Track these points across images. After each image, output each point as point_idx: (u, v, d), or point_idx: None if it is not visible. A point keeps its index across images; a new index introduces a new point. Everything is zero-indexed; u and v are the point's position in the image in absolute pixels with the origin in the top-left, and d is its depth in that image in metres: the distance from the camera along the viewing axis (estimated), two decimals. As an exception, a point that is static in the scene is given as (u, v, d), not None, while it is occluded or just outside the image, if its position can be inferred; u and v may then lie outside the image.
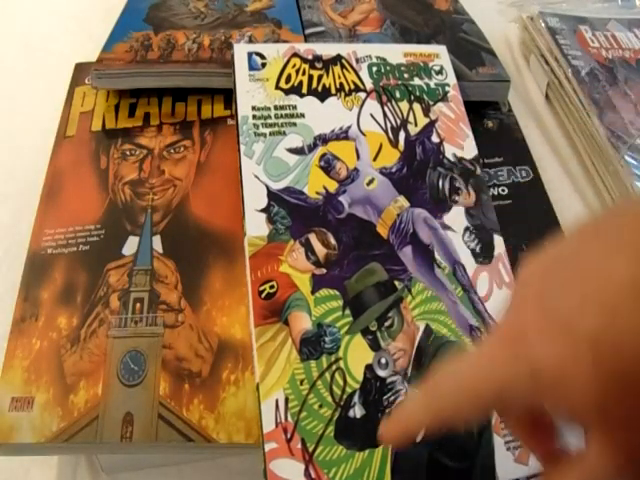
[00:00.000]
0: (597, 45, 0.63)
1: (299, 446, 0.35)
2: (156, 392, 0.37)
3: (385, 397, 0.36)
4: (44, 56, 0.67)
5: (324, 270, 0.40)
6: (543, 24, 0.65)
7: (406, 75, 0.49)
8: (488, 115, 0.55)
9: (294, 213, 0.41)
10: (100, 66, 0.51)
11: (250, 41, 0.54)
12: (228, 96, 0.52)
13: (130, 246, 0.43)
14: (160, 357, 0.38)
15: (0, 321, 0.41)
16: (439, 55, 0.51)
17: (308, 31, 0.57)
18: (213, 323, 0.40)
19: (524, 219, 0.47)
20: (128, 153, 0.49)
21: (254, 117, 0.45)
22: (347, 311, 0.38)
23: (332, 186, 0.43)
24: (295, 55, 0.48)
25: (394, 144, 0.46)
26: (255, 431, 0.36)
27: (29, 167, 0.51)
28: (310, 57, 0.49)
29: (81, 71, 0.56)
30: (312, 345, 0.37)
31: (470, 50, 0.56)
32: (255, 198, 0.41)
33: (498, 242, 0.43)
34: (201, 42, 0.53)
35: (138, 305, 0.40)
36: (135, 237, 0.44)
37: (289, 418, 0.35)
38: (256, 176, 0.42)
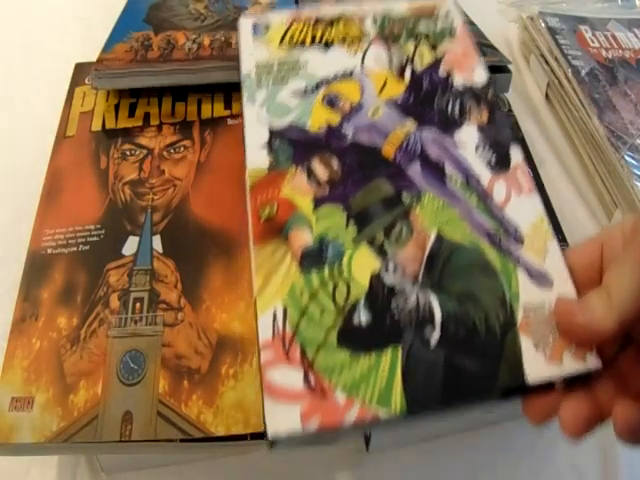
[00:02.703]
0: (597, 45, 0.63)
1: (298, 354, 0.32)
2: (155, 390, 0.37)
3: (394, 301, 0.34)
4: (44, 56, 0.67)
5: (326, 190, 0.38)
6: (543, 24, 0.65)
7: (411, 24, 0.48)
8: (488, 115, 0.54)
9: (296, 144, 0.40)
10: (100, 66, 0.51)
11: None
12: (228, 96, 0.52)
13: (130, 246, 0.43)
14: (159, 356, 0.38)
15: (0, 321, 0.41)
16: (444, 3, 0.50)
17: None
18: (212, 320, 0.40)
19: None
20: (128, 153, 0.49)
21: (257, 72, 0.44)
22: (351, 225, 0.36)
23: (335, 120, 0.41)
24: (297, 19, 0.48)
25: (399, 78, 0.44)
26: (254, 420, 0.36)
27: (29, 167, 0.51)
28: (312, 20, 0.48)
29: (81, 71, 0.56)
30: (313, 258, 0.35)
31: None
32: (256, 135, 0.40)
33: (515, 152, 0.40)
34: (201, 42, 0.53)
35: (138, 305, 0.40)
36: (135, 237, 0.44)
37: (287, 328, 0.33)
38: (258, 117, 0.41)
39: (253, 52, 0.45)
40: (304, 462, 0.43)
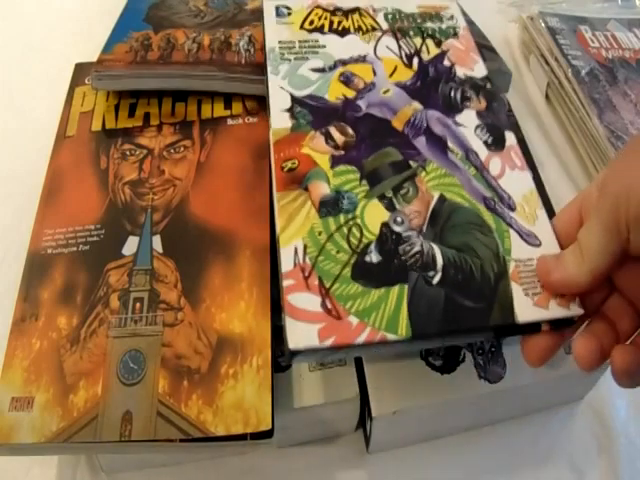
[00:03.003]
0: (597, 45, 0.63)
1: (316, 283, 0.36)
2: (155, 390, 0.37)
3: (401, 247, 0.38)
4: (44, 56, 0.67)
5: (342, 152, 0.42)
6: (543, 24, 0.65)
7: (419, 20, 0.53)
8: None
9: (315, 112, 0.45)
10: (100, 67, 0.51)
11: (250, 41, 0.54)
12: (228, 96, 0.52)
13: (130, 246, 0.43)
14: (159, 356, 0.38)
15: (0, 321, 0.41)
16: (450, 7, 0.55)
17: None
18: (212, 320, 0.40)
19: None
20: (128, 153, 0.49)
21: (280, 48, 0.48)
22: (364, 183, 0.41)
23: (350, 94, 0.46)
24: (318, 7, 0.53)
25: (408, 66, 0.49)
26: (253, 420, 0.36)
27: (29, 167, 0.51)
28: (331, 8, 0.53)
29: (81, 71, 0.56)
30: (331, 206, 0.39)
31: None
32: (280, 102, 0.45)
33: (509, 136, 0.45)
34: (201, 42, 0.53)
35: (138, 305, 0.40)
36: (135, 237, 0.44)
37: (307, 260, 0.37)
38: (281, 87, 0.46)
39: (276, 31, 0.50)
40: (304, 462, 0.43)
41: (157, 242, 0.43)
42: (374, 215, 0.39)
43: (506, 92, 0.56)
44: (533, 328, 0.36)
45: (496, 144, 0.44)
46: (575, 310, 0.36)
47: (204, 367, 0.38)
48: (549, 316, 0.36)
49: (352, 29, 0.51)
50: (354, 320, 0.35)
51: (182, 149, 0.49)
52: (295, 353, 0.34)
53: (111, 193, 0.46)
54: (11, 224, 0.52)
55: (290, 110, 0.44)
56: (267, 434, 0.36)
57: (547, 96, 0.65)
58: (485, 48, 0.57)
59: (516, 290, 0.37)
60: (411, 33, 0.52)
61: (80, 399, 0.37)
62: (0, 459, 0.38)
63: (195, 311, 0.40)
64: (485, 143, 0.44)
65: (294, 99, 0.45)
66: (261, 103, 0.51)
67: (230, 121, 0.51)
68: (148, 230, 0.44)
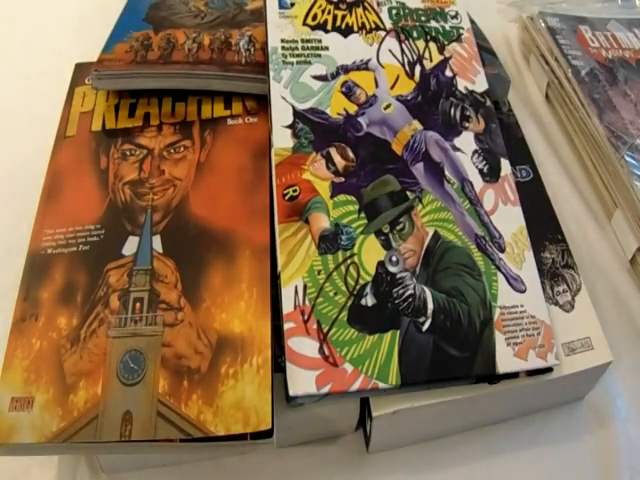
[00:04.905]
0: (597, 45, 0.63)
1: (315, 327, 0.38)
2: (155, 390, 0.37)
3: (395, 290, 0.39)
4: (44, 56, 0.67)
5: (342, 179, 0.43)
6: (543, 24, 0.65)
7: (423, 18, 0.53)
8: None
9: (317, 130, 0.45)
10: (100, 67, 0.51)
11: (250, 41, 0.54)
12: (228, 96, 0.52)
13: (130, 246, 0.43)
14: (159, 356, 0.38)
15: (0, 321, 0.41)
16: (455, 2, 0.56)
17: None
18: (212, 320, 0.40)
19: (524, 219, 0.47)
20: (128, 153, 0.49)
21: (283, 48, 0.49)
22: (362, 215, 0.42)
23: (352, 108, 0.47)
24: None
25: (410, 76, 0.50)
26: (253, 420, 0.36)
27: (29, 167, 0.51)
28: (335, 0, 0.53)
29: (81, 71, 0.56)
30: (330, 242, 0.40)
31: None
32: (282, 116, 0.45)
33: (504, 165, 0.46)
34: (201, 42, 0.53)
35: (138, 305, 0.40)
36: (135, 237, 0.44)
37: (307, 302, 0.38)
38: (283, 97, 0.46)
39: (279, 27, 0.50)
40: (304, 462, 0.43)
41: (157, 242, 0.43)
42: (371, 253, 0.40)
43: (505, 98, 0.56)
44: (512, 375, 0.39)
45: (491, 174, 0.45)
46: (552, 361, 0.39)
47: (204, 367, 0.38)
48: (528, 367, 0.39)
49: (355, 26, 0.51)
50: (349, 367, 0.37)
51: (182, 149, 0.49)
52: (294, 397, 0.36)
53: (111, 193, 0.46)
54: (11, 224, 0.52)
55: (292, 127, 0.45)
56: (267, 434, 0.36)
57: (547, 96, 0.65)
58: (485, 51, 0.56)
59: (499, 339, 0.39)
60: (414, 34, 0.52)
61: (80, 399, 0.37)
62: (0, 459, 0.38)
63: (195, 311, 0.40)
64: (481, 172, 0.45)
65: (296, 113, 0.45)
66: (261, 103, 0.51)
67: (230, 121, 0.51)
68: (148, 230, 0.44)
